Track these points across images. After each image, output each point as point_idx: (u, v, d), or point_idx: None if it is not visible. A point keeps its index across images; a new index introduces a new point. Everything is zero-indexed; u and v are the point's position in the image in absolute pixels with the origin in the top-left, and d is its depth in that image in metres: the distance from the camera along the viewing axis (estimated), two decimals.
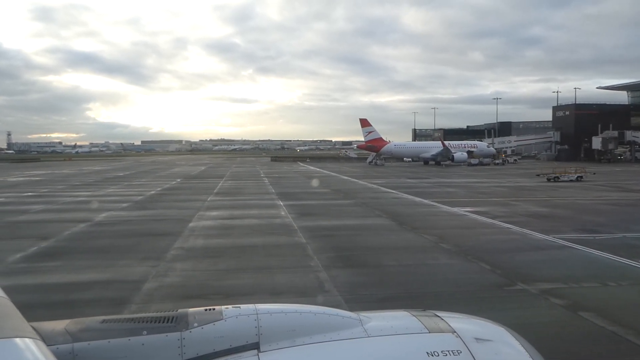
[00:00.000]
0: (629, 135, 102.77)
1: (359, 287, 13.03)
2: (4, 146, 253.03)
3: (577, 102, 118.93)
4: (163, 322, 3.24)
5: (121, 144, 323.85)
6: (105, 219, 25.54)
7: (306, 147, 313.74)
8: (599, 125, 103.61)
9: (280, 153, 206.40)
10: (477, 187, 44.85)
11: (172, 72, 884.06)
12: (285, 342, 3.18)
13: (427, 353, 3.07)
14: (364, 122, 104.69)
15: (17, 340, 2.41)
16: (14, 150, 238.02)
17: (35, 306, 11.22)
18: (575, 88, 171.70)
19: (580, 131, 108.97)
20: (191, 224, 23.45)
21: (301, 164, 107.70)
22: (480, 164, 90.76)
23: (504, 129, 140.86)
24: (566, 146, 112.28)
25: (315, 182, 51.35)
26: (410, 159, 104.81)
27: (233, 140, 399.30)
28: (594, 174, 56.38)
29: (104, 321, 3.26)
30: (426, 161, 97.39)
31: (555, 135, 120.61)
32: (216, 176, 63.96)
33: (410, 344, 3.22)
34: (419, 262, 16.08)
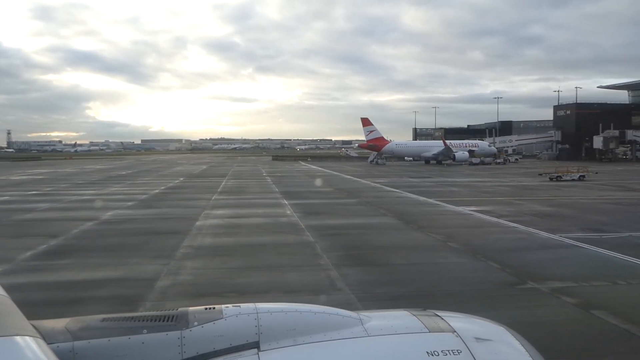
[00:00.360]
0: (630, 134, 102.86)
1: (370, 285, 13.13)
2: (4, 145, 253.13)
3: (578, 102, 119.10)
4: (163, 320, 3.24)
5: (121, 142, 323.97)
6: (112, 218, 25.63)
7: (306, 147, 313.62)
8: (600, 125, 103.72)
9: (281, 152, 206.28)
10: (480, 187, 44.94)
11: (171, 71, 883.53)
12: (286, 341, 3.18)
13: (427, 352, 3.08)
14: (365, 122, 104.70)
15: (18, 338, 2.41)
16: (14, 149, 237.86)
17: (52, 303, 11.39)
18: (576, 87, 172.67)
19: (581, 130, 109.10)
20: (198, 223, 23.53)
21: (302, 163, 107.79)
22: (482, 163, 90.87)
23: (504, 128, 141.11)
24: (567, 145, 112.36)
25: (318, 181, 51.47)
26: (411, 158, 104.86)
27: (233, 140, 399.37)
28: (597, 173, 56.48)
29: (104, 320, 3.27)
30: (427, 160, 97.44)
31: (556, 135, 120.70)
32: (219, 175, 64.06)
33: (411, 344, 3.23)
34: (429, 260, 16.17)
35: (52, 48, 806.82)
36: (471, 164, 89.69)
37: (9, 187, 45.86)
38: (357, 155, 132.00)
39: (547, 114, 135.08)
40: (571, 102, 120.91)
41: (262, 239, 19.89)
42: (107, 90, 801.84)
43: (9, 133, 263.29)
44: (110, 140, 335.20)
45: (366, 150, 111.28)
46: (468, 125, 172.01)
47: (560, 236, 19.70)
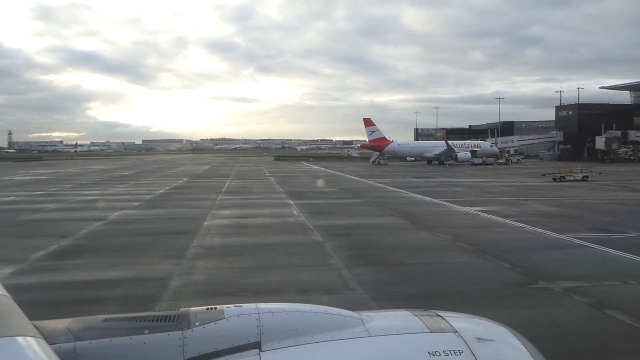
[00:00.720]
0: (633, 135, 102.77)
1: (383, 285, 13.19)
2: (5, 145, 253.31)
3: (580, 102, 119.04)
4: (165, 321, 3.24)
5: (122, 143, 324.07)
6: (119, 218, 25.71)
7: (307, 147, 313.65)
8: (602, 125, 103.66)
9: (282, 152, 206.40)
10: (484, 187, 44.99)
11: (172, 71, 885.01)
12: (287, 341, 3.18)
13: (429, 353, 3.08)
14: (368, 122, 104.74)
15: (20, 339, 2.42)
16: (15, 150, 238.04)
17: (68, 303, 11.48)
18: (578, 88, 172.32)
19: (583, 131, 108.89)
20: (206, 223, 23.61)
21: (304, 164, 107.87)
22: (484, 163, 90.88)
23: (506, 128, 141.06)
24: (569, 146, 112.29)
25: (322, 182, 51.53)
26: (413, 159, 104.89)
27: (234, 140, 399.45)
28: (600, 173, 56.47)
29: (105, 320, 3.27)
30: (429, 161, 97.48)
31: (558, 135, 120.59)
32: (222, 175, 64.15)
33: (412, 344, 3.23)
34: (439, 260, 16.23)
35: (53, 48, 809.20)
36: (473, 164, 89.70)
37: (13, 188, 45.97)
38: (358, 155, 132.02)
39: (548, 115, 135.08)
40: (573, 103, 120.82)
41: (271, 238, 19.95)
42: (108, 91, 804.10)
43: (10, 133, 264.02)
44: (111, 141, 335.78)
45: (367, 151, 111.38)
46: (469, 126, 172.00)
47: (568, 236, 19.75)
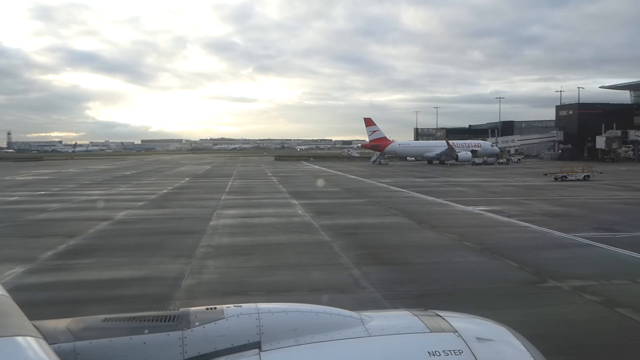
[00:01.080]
0: (633, 134, 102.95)
1: (393, 284, 13.28)
2: (4, 145, 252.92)
3: (580, 102, 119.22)
4: (164, 320, 3.24)
5: (121, 143, 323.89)
6: (125, 218, 25.79)
7: (306, 147, 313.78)
8: (603, 125, 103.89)
9: (281, 152, 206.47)
10: (486, 186, 45.10)
11: (171, 71, 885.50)
12: (287, 341, 3.18)
13: (429, 353, 3.08)
14: (368, 122, 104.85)
15: (19, 338, 2.42)
16: (14, 150, 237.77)
17: (84, 302, 11.57)
18: (578, 87, 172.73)
19: (583, 130, 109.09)
20: (212, 222, 23.69)
21: (305, 163, 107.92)
22: (485, 163, 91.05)
23: (506, 128, 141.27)
24: (569, 145, 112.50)
25: (324, 181, 51.63)
26: (413, 158, 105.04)
27: (233, 140, 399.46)
28: (601, 173, 56.63)
29: (105, 320, 3.26)
30: (430, 160, 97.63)
31: (558, 135, 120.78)
32: (224, 175, 64.22)
33: (412, 344, 3.23)
34: (447, 259, 16.31)
35: (52, 48, 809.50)
36: (474, 164, 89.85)
37: (16, 188, 46.04)
38: (359, 155, 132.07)
39: (547, 114, 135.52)
40: (573, 102, 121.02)
41: (279, 238, 20.05)
42: (107, 91, 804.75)
43: (9, 133, 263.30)
44: (110, 141, 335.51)
45: (367, 150, 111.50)
46: (469, 125, 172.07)
47: (574, 235, 19.87)
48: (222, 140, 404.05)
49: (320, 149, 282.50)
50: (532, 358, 3.26)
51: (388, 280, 13.65)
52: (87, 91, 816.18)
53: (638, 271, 14.51)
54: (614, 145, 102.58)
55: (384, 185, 46.83)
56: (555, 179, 51.07)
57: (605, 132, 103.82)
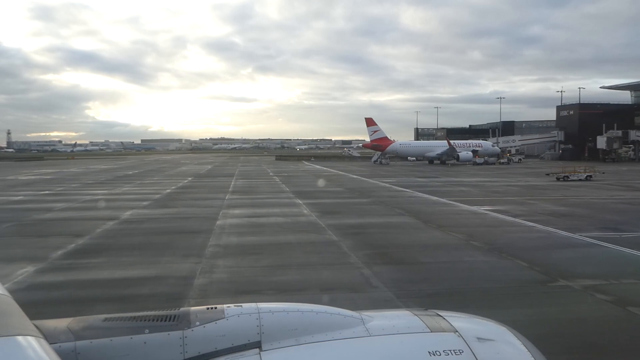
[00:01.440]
0: (634, 134, 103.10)
1: (405, 283, 13.36)
2: (4, 145, 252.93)
3: (580, 102, 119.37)
4: (165, 320, 3.24)
5: (121, 142, 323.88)
6: (132, 217, 25.85)
7: (306, 146, 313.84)
8: (603, 125, 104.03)
9: (281, 152, 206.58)
10: (489, 186, 45.20)
11: (171, 71, 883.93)
12: (287, 341, 3.18)
13: (429, 352, 3.08)
14: (369, 122, 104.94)
15: (20, 338, 2.41)
16: (14, 149, 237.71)
17: (98, 300, 11.63)
18: (579, 88, 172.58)
19: (584, 131, 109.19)
20: (219, 222, 23.76)
21: (306, 163, 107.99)
22: (486, 163, 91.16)
23: (506, 128, 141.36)
24: (570, 145, 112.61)
25: (326, 181, 51.72)
26: (414, 158, 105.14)
27: (233, 139, 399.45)
28: (603, 173, 56.76)
29: (106, 319, 3.27)
30: (431, 160, 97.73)
31: (559, 135, 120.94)
32: (226, 175, 64.30)
33: (412, 344, 3.22)
34: (456, 259, 16.39)
35: (52, 48, 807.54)
36: (475, 164, 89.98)
37: (20, 187, 46.10)
38: (359, 155, 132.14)
39: (547, 114, 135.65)
40: (574, 103, 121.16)
41: (286, 237, 20.12)
42: (107, 90, 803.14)
43: (8, 133, 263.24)
44: (110, 140, 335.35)
45: (368, 150, 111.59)
46: (470, 125, 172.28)
47: (580, 235, 19.95)
48: (222, 140, 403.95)
49: (320, 148, 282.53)
50: (533, 358, 3.27)
51: (399, 279, 13.72)
52: (87, 91, 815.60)
53: None
54: (615, 146, 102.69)
55: (387, 185, 46.91)
56: (558, 179, 51.14)
57: (606, 132, 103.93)
